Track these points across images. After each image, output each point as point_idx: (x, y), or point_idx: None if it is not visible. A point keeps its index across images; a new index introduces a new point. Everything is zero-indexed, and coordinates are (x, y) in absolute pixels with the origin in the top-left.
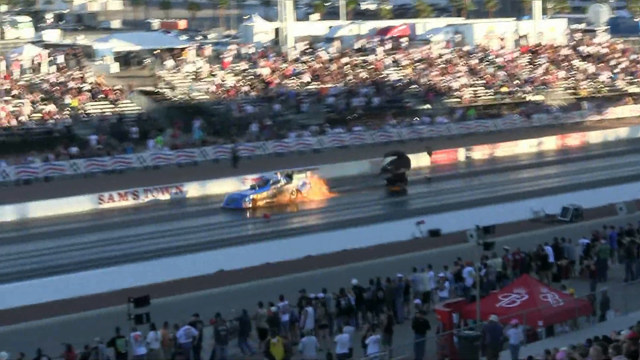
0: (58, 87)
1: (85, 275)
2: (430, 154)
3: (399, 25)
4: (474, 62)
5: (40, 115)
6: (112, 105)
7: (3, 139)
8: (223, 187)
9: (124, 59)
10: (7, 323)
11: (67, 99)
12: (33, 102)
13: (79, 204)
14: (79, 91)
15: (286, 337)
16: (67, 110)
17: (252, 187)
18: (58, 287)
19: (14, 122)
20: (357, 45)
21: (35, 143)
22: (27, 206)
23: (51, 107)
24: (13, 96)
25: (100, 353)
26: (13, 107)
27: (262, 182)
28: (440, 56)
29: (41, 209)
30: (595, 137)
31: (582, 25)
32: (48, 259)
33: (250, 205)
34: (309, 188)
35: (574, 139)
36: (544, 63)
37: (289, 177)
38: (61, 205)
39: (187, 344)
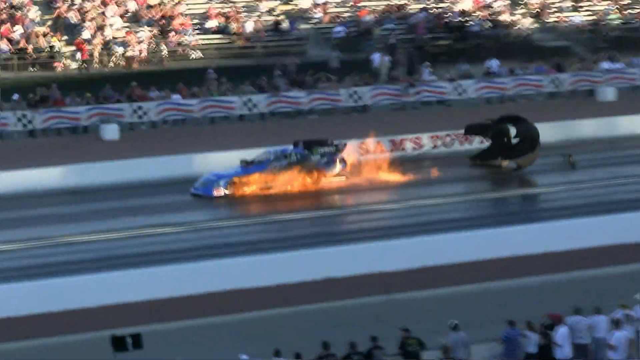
0: None
1: None
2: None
3: None
4: None
5: None
6: None
7: None
8: None
9: None
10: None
11: None
12: None
13: None
14: None
15: None
16: None
17: (244, 164)
18: None
19: None
20: None
21: None
22: None
23: None
24: None
25: None
26: None
27: (262, 157)
28: None
29: None
30: None
31: None
32: None
33: (227, 192)
34: (341, 168)
35: None
36: None
37: (308, 151)
38: None
39: None
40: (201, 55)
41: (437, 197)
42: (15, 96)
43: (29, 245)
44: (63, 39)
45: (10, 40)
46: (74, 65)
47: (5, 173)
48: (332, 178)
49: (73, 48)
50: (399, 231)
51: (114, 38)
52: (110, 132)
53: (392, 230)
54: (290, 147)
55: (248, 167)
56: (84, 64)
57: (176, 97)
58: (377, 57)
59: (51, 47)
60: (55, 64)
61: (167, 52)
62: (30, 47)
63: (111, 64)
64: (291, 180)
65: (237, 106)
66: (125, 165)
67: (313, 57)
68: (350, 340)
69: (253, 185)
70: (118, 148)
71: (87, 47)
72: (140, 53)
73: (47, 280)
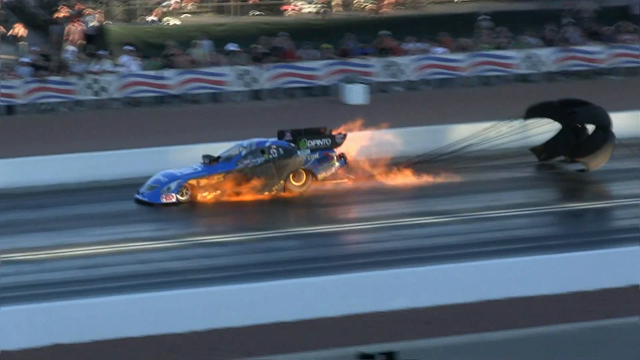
0: None
1: None
2: None
3: None
4: None
5: None
6: None
7: None
8: None
9: None
10: None
11: None
12: None
13: None
14: None
15: None
16: None
17: (207, 161)
18: None
19: None
20: None
21: None
22: None
23: None
24: None
25: None
26: None
27: (232, 152)
28: None
29: None
30: None
31: None
32: None
33: (179, 199)
34: (336, 167)
35: None
36: None
37: (293, 146)
38: None
39: None
40: None
41: None
42: (233, 46)
43: (252, 237)
44: None
45: None
46: (308, 9)
47: (221, 145)
48: (333, 181)
49: None
50: None
51: None
52: (356, 94)
53: None
54: (272, 139)
55: (212, 165)
56: (322, 8)
57: (440, 51)
58: None
59: None
60: (285, 7)
61: None
62: None
63: (356, 8)
64: (266, 183)
65: (516, 63)
66: (373, 137)
67: (614, 1)
68: None
69: (213, 189)
70: (366, 114)
71: None
72: None
73: (274, 282)
